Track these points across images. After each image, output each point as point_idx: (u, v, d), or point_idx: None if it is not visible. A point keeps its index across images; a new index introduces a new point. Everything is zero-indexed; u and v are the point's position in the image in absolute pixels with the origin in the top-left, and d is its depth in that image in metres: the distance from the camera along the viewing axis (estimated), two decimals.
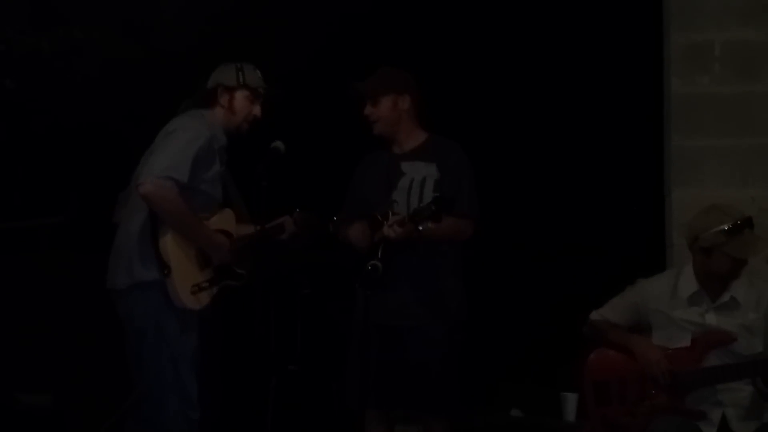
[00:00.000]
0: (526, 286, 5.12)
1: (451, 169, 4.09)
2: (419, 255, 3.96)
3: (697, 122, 4.43)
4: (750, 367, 3.64)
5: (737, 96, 4.38)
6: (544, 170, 5.17)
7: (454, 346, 4.04)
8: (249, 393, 4.82)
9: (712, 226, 3.69)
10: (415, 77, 4.16)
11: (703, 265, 3.73)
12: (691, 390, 3.67)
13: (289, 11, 5.21)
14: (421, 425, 4.12)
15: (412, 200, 4.06)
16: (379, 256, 3.79)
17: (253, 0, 5.10)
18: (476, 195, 4.13)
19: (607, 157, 5.06)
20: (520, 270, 5.13)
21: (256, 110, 4.02)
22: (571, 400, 4.59)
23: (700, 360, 3.68)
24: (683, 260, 3.99)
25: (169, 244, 3.78)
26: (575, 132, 5.08)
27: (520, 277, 5.13)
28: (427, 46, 5.21)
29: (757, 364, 3.64)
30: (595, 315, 3.94)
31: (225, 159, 4.00)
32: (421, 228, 3.79)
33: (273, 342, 4.86)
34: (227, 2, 5.03)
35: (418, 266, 3.98)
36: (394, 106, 4.13)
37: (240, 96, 4.01)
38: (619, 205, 4.83)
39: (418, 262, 3.98)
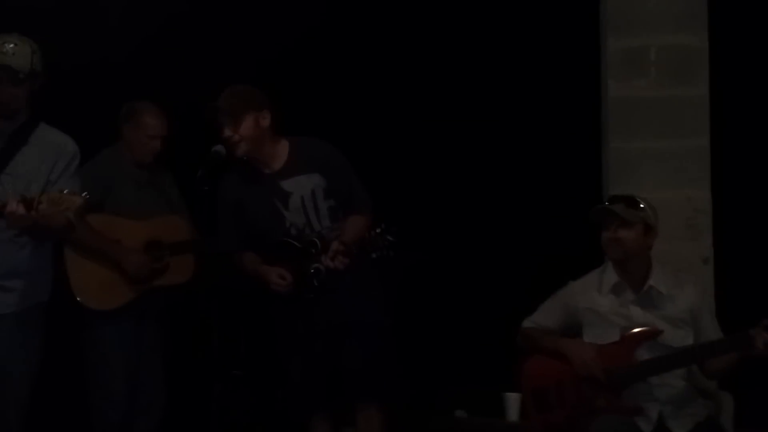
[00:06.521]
0: (466, 287, 5.15)
1: (336, 173, 4.06)
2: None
3: (634, 125, 4.52)
4: (680, 356, 3.69)
5: (673, 99, 4.48)
6: (484, 173, 5.21)
7: (388, 336, 4.09)
8: (192, 399, 4.78)
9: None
10: (266, 90, 4.08)
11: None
12: (627, 386, 3.72)
13: (238, 16, 5.18)
14: (363, 424, 4.11)
15: (312, 219, 4.05)
16: (316, 281, 3.94)
17: (199, 7, 5.07)
18: (362, 184, 4.13)
19: (546, 160, 5.11)
20: (460, 271, 5.16)
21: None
22: (513, 400, 4.63)
23: (630, 355, 3.72)
24: None
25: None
26: (514, 136, 5.12)
27: (461, 278, 5.16)
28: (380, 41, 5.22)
29: (686, 353, 3.70)
30: (527, 323, 3.98)
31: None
32: (374, 256, 3.82)
33: (217, 347, 4.82)
34: (171, 8, 4.99)
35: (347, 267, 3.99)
36: (256, 125, 4.02)
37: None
38: (559, 207, 4.87)
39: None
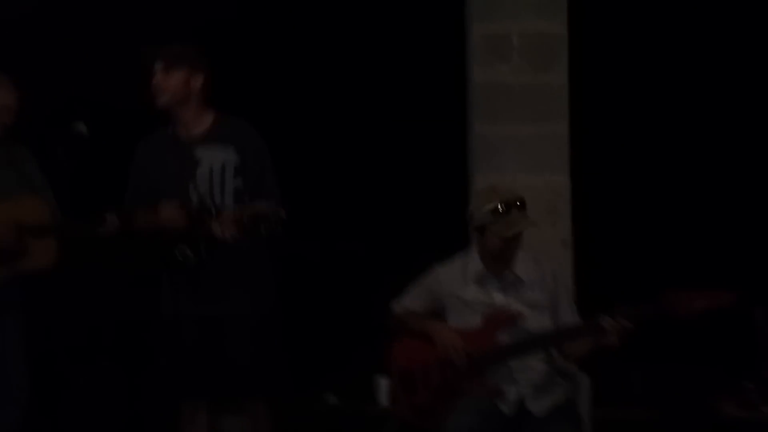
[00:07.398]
0: (336, 272, 5.17)
1: (252, 154, 4.04)
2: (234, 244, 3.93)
3: (496, 110, 4.59)
4: (538, 341, 3.77)
5: (533, 85, 4.56)
6: (351, 159, 5.23)
7: (271, 330, 4.05)
8: (54, 388, 4.68)
9: (483, 206, 3.82)
10: (209, 57, 4.09)
11: (480, 245, 3.86)
12: (487, 369, 3.77)
13: None
14: (246, 413, 4.09)
15: (215, 191, 4.01)
16: (202, 248, 3.84)
17: None
18: (275, 175, 4.12)
19: (413, 146, 5.16)
20: (329, 256, 5.17)
21: None
22: (383, 384, 4.66)
23: (492, 339, 3.78)
24: None
25: None
26: (382, 122, 5.15)
27: (330, 263, 5.18)
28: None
29: (544, 337, 3.78)
30: (395, 306, 4.02)
31: None
32: (264, 232, 3.78)
33: (81, 334, 4.76)
34: None
35: (231, 254, 3.94)
36: (186, 82, 4.04)
37: None
38: (425, 192, 4.93)
39: (232, 250, 3.93)
